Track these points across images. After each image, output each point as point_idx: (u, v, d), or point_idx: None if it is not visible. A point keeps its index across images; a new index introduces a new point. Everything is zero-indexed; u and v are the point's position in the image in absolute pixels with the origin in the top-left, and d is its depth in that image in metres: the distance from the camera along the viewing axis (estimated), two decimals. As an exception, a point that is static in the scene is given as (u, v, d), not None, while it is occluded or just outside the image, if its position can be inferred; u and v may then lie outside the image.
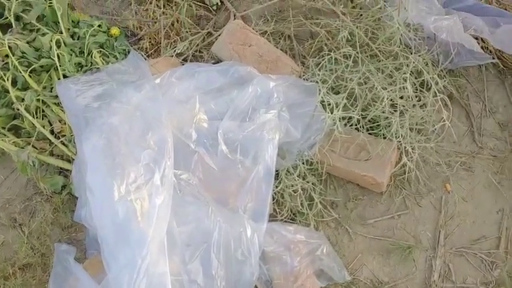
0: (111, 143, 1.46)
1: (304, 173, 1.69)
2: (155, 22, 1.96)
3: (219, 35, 1.89)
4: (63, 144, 1.73)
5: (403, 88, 1.66)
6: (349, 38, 1.81)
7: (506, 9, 2.05)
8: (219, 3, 2.08)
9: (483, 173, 1.79)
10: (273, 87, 1.60)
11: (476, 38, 1.88)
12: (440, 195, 1.75)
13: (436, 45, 1.84)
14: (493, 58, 1.88)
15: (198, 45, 1.99)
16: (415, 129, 1.73)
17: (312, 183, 1.70)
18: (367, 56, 1.85)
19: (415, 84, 1.76)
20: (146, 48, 1.96)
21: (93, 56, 1.82)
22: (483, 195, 1.75)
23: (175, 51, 1.86)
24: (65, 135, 1.74)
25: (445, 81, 1.84)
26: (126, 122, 1.50)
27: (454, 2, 1.96)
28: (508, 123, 1.88)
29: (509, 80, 1.94)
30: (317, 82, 1.71)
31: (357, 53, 1.76)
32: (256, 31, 1.94)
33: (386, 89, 1.69)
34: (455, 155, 1.82)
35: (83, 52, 1.84)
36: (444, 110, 1.64)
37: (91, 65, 1.81)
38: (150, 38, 1.96)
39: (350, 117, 1.71)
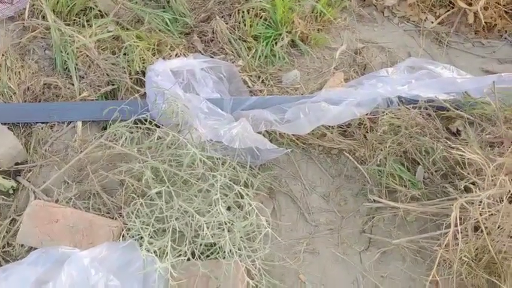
0: None
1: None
2: None
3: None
4: None
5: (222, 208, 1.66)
6: (154, 176, 1.79)
7: (288, 93, 2.23)
8: (15, 185, 1.94)
9: (327, 250, 1.83)
10: (88, 263, 1.48)
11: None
12: (297, 289, 1.75)
13: (238, 150, 1.90)
14: (287, 148, 1.98)
15: (5, 237, 1.81)
16: (249, 238, 1.72)
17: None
18: (181, 184, 1.83)
19: (236, 194, 1.78)
20: None
21: None
22: (334, 272, 1.78)
23: (-25, 260, 1.66)
24: None
25: (260, 178, 1.92)
26: None
27: (240, 104, 2.06)
28: (330, 192, 1.98)
29: (314, 153, 2.06)
30: (138, 235, 1.65)
31: (168, 187, 1.74)
32: (61, 201, 1.84)
33: (208, 212, 1.69)
34: (296, 242, 1.85)
35: None
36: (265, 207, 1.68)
37: None
38: None
39: (185, 252, 1.66)
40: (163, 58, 2.17)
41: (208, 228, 1.64)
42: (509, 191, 1.53)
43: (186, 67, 2.08)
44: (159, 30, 2.36)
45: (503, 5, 2.50)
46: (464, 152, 1.57)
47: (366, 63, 2.33)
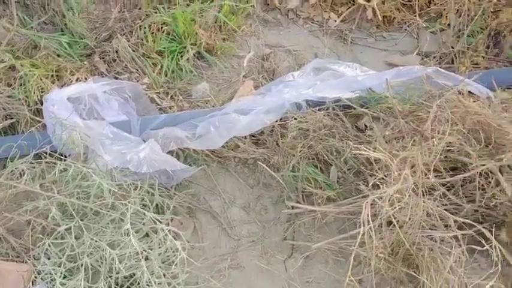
0: None
1: None
2: None
3: None
4: None
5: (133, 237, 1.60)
6: (63, 211, 1.70)
7: (199, 107, 2.19)
8: None
9: (251, 263, 1.81)
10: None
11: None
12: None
13: (150, 173, 1.84)
14: (202, 164, 1.95)
15: None
16: (169, 263, 1.67)
17: None
18: (92, 216, 1.75)
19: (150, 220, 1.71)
20: None
21: None
22: (260, 284, 1.76)
23: None
24: None
25: (176, 199, 1.87)
26: None
27: (148, 124, 2.00)
28: (250, 203, 1.95)
29: (231, 165, 2.04)
30: (50, 276, 1.56)
31: (77, 221, 1.66)
32: (-36, 251, 1.71)
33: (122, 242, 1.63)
34: (220, 259, 1.82)
35: None
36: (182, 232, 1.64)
37: None
38: None
39: (104, 288, 1.59)
40: (62, 85, 2.07)
41: (123, 260, 1.58)
42: (413, 183, 1.57)
43: (86, 92, 1.98)
44: (58, 55, 2.25)
45: (400, -2, 2.58)
46: (366, 150, 1.59)
47: (274, 68, 2.33)
